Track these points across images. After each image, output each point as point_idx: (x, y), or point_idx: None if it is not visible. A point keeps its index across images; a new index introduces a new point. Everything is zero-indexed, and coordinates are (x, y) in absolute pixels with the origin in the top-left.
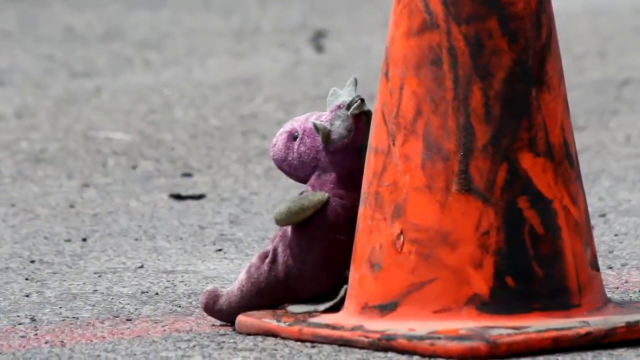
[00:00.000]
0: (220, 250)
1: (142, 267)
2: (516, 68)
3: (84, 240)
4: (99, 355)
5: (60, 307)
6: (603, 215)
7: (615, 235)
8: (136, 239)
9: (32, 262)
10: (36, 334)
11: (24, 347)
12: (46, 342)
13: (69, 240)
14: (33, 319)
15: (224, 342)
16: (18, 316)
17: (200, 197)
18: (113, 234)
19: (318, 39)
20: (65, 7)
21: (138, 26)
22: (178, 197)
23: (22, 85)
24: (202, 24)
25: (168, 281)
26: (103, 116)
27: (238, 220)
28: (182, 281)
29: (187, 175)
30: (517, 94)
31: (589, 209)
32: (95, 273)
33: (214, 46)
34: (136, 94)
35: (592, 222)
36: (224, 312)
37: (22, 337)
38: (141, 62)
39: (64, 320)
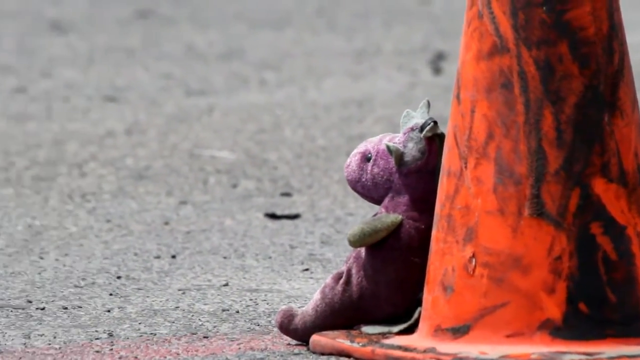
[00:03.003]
0: (307, 270)
1: (226, 285)
2: (588, 93)
3: (173, 257)
4: None
5: (140, 323)
6: None
7: None
8: (225, 257)
9: (119, 277)
10: (111, 349)
11: None
12: (120, 358)
13: (158, 257)
14: (111, 334)
15: None
16: (96, 331)
17: (295, 216)
18: (203, 252)
19: (437, 61)
20: (190, 25)
21: (260, 46)
22: (273, 216)
23: (136, 102)
24: (324, 45)
25: (250, 299)
26: (212, 134)
27: (329, 241)
28: (265, 300)
29: (286, 194)
30: (589, 119)
31: None
32: (179, 290)
33: (332, 67)
34: (247, 113)
35: None
36: (299, 332)
37: (97, 352)
38: (257, 82)
39: (141, 336)
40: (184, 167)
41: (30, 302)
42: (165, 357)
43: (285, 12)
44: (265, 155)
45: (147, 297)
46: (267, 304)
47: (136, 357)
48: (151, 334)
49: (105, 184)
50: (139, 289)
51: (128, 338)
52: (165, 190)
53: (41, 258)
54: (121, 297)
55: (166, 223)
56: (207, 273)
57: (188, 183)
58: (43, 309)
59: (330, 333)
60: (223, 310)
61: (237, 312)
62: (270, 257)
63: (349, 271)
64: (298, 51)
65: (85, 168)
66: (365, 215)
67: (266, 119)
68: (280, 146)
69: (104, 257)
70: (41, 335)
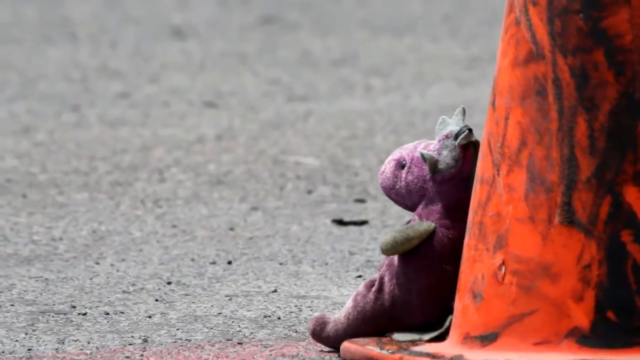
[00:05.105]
0: (360, 276)
1: (275, 291)
2: (622, 100)
3: (229, 263)
4: None
5: (177, 329)
6: None
7: None
8: (281, 263)
9: (169, 283)
10: (142, 355)
11: None
12: None
13: (214, 263)
14: (145, 340)
15: None
16: (132, 337)
17: (362, 223)
18: (260, 258)
19: None
20: (312, 31)
21: (375, 52)
22: (340, 222)
23: (235, 108)
24: (441, 52)
25: (296, 306)
26: (302, 140)
27: None
28: (310, 306)
29: (360, 201)
30: (622, 126)
31: None
32: (226, 296)
33: (442, 73)
34: (344, 119)
35: None
36: (330, 339)
37: (127, 357)
38: (363, 88)
39: (175, 341)
40: (265, 173)
41: (74, 307)
42: None
43: (410, 18)
44: (349, 162)
45: (193, 303)
46: (312, 310)
47: None
48: (186, 340)
49: (181, 189)
50: (187, 294)
51: (162, 344)
52: (239, 196)
53: (97, 263)
54: (166, 302)
55: (231, 229)
56: (259, 279)
57: (264, 189)
58: (85, 314)
59: (360, 340)
60: (265, 317)
61: (279, 318)
62: (326, 264)
63: (381, 279)
64: (412, 58)
65: (166, 173)
66: None
67: (361, 125)
68: (368, 152)
69: (160, 263)
70: (75, 341)
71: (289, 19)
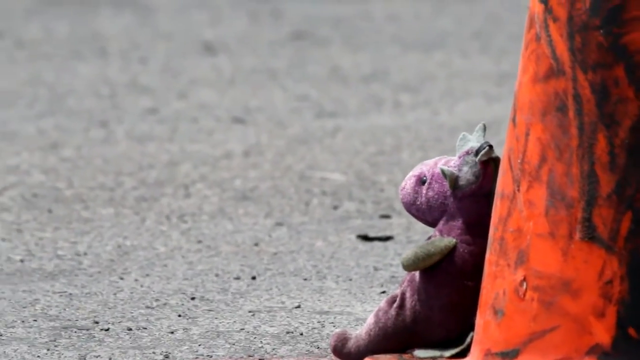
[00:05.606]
0: (384, 292)
1: (299, 307)
2: None
3: (253, 278)
4: None
5: (199, 345)
6: None
7: None
8: (305, 279)
9: (193, 298)
10: None
11: None
12: None
13: (238, 278)
14: (167, 356)
15: None
16: (154, 352)
17: (387, 238)
18: (285, 273)
19: None
20: (343, 47)
21: (405, 68)
22: (365, 238)
23: (263, 124)
24: (471, 67)
25: (319, 322)
26: (329, 156)
27: None
28: (332, 322)
29: (385, 216)
30: None
31: None
32: (250, 312)
33: (472, 89)
34: (372, 135)
35: None
36: (352, 355)
37: None
38: (392, 104)
39: (197, 357)
40: (291, 188)
41: (96, 322)
42: None
43: (441, 34)
44: (375, 177)
45: (216, 318)
46: (335, 326)
47: None
48: (208, 355)
49: (207, 205)
50: (210, 310)
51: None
52: (264, 212)
53: (121, 278)
54: (189, 318)
55: (256, 244)
56: (283, 295)
57: (290, 204)
58: (107, 330)
59: (382, 357)
60: (287, 333)
61: (301, 334)
62: (350, 280)
63: (402, 295)
64: (442, 73)
65: (192, 189)
66: None
67: (388, 141)
68: (394, 168)
69: (184, 278)
70: (97, 357)
71: (320, 35)
